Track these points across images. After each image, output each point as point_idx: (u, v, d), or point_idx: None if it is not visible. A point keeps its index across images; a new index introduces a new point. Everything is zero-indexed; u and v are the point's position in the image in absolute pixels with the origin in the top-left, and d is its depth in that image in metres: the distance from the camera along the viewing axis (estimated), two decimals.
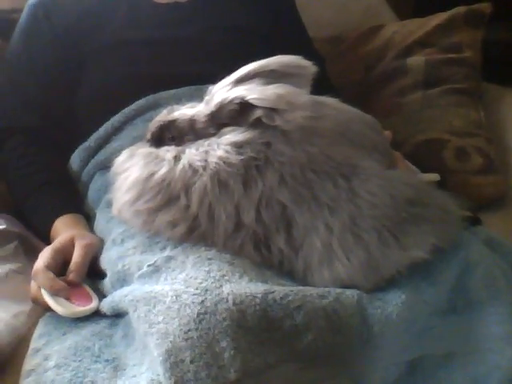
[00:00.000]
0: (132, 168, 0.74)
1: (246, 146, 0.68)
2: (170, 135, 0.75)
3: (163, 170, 0.71)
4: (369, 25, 1.38)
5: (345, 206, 0.67)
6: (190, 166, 0.69)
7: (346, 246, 0.66)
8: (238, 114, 0.71)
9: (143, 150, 0.76)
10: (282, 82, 0.70)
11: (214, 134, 0.72)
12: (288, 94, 0.68)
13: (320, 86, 0.75)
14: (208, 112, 0.73)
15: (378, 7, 1.50)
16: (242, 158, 0.68)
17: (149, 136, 0.77)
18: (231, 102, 0.70)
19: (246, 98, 0.69)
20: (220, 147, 0.69)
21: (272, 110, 0.68)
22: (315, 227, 0.67)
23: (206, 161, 0.69)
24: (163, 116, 0.77)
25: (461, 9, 1.27)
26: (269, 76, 0.71)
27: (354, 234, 0.66)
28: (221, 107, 0.71)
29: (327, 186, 0.67)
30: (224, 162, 0.68)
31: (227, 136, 0.70)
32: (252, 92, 0.69)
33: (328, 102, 0.75)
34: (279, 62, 0.72)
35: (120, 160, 0.78)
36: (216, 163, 0.68)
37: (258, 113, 0.69)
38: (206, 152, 0.70)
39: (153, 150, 0.75)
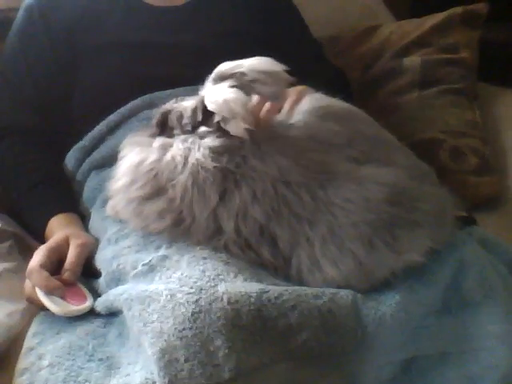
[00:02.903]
0: (128, 154, 0.74)
1: (225, 155, 0.68)
2: (170, 124, 0.76)
3: (151, 158, 0.71)
4: (365, 25, 1.38)
5: (322, 218, 0.67)
6: (173, 159, 0.70)
7: (330, 256, 0.66)
8: (204, 114, 0.71)
9: (142, 138, 0.76)
10: (253, 88, 0.69)
11: (192, 131, 0.72)
12: (233, 101, 0.67)
13: (321, 69, 0.74)
14: (191, 108, 0.73)
15: (374, 7, 1.50)
16: (217, 165, 0.68)
17: (154, 122, 0.78)
18: (200, 101, 0.71)
19: (204, 100, 0.69)
20: (200, 149, 0.69)
21: (225, 116, 0.67)
22: (298, 242, 0.67)
23: (186, 158, 0.69)
24: (169, 104, 0.77)
25: (457, 9, 1.27)
26: (241, 78, 0.70)
27: (336, 245, 0.66)
28: (197, 106, 0.72)
29: (305, 199, 0.67)
30: (201, 166, 0.68)
31: (206, 140, 0.70)
32: (211, 94, 0.68)
33: (300, 105, 0.74)
34: (250, 65, 0.70)
35: (122, 146, 0.78)
36: (193, 164, 0.68)
37: (217, 117, 0.69)
38: (189, 149, 0.70)
39: (149, 139, 0.75)
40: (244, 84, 0.70)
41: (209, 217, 0.68)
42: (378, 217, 0.66)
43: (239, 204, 0.67)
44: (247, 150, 0.69)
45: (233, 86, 0.69)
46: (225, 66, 0.71)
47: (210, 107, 0.68)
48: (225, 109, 0.67)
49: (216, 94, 0.68)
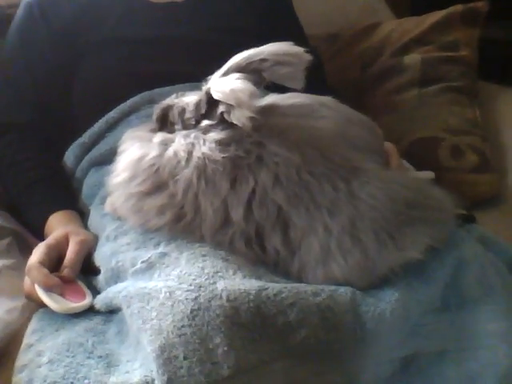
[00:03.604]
0: (128, 149, 0.74)
1: (233, 144, 0.68)
2: (171, 120, 0.75)
3: (152, 154, 0.71)
4: (366, 23, 1.38)
5: (344, 209, 0.66)
6: (175, 155, 0.70)
7: (343, 247, 0.66)
8: (208, 106, 0.71)
9: (142, 133, 0.76)
10: (274, 71, 0.69)
11: (194, 126, 0.72)
12: (241, 90, 0.66)
13: (315, 87, 0.75)
14: (195, 102, 0.73)
15: (375, 5, 1.50)
16: (225, 155, 0.67)
17: (154, 117, 0.78)
18: (205, 93, 0.70)
19: (210, 91, 0.69)
20: (205, 143, 0.69)
21: (230, 106, 0.67)
22: (314, 229, 0.66)
23: (190, 153, 0.69)
24: (169, 100, 0.77)
25: (457, 7, 1.27)
26: (260, 65, 0.70)
27: (352, 236, 0.66)
28: (201, 98, 0.71)
29: (326, 188, 0.67)
30: (208, 159, 0.68)
31: (211, 134, 0.70)
32: (218, 84, 0.68)
33: (327, 102, 0.75)
34: (270, 50, 0.70)
35: (122, 140, 0.78)
36: (199, 158, 0.68)
37: (221, 107, 0.68)
38: (192, 145, 0.70)
39: (149, 134, 0.75)
40: (255, 75, 0.69)
41: (218, 208, 0.68)
42: (397, 217, 0.66)
43: (254, 188, 0.67)
44: (265, 138, 0.68)
45: (240, 78, 0.69)
46: (239, 57, 0.71)
47: (216, 96, 0.67)
48: (231, 97, 0.66)
49: (223, 83, 0.68)
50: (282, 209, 0.67)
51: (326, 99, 0.75)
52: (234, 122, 0.67)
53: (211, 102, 0.70)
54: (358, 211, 0.66)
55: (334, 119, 0.72)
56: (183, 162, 0.69)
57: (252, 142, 0.68)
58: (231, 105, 0.66)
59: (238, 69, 0.70)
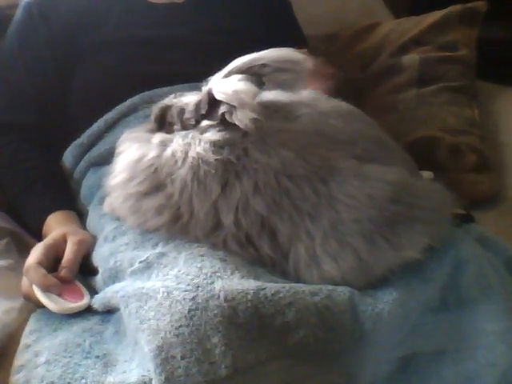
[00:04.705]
0: (127, 150, 0.74)
1: (226, 148, 0.68)
2: (169, 120, 0.75)
3: (151, 154, 0.71)
4: (364, 23, 1.38)
5: (325, 213, 0.66)
6: (173, 155, 0.70)
7: (330, 251, 0.65)
8: (209, 106, 0.70)
9: (140, 133, 0.76)
10: (274, 77, 0.69)
11: (194, 126, 0.72)
12: (244, 92, 0.66)
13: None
14: (194, 102, 0.73)
15: (373, 5, 1.50)
16: (218, 158, 0.67)
17: (152, 117, 0.78)
18: (206, 93, 0.70)
19: (212, 91, 0.68)
20: (201, 143, 0.69)
21: (232, 106, 0.67)
22: (298, 236, 0.66)
23: (186, 153, 0.69)
24: (168, 100, 0.77)
25: (456, 7, 1.27)
26: (260, 70, 0.70)
27: (337, 240, 0.65)
28: (202, 99, 0.71)
29: (307, 192, 0.67)
30: (202, 160, 0.68)
31: (207, 134, 0.70)
32: (220, 85, 0.68)
33: (304, 98, 0.74)
34: (272, 56, 0.70)
35: (120, 141, 0.78)
36: (193, 158, 0.68)
37: (222, 108, 0.68)
38: (189, 145, 0.70)
39: (148, 134, 0.75)
40: (256, 78, 0.69)
41: (209, 211, 0.68)
42: (381, 214, 0.66)
43: (240, 196, 0.67)
44: (249, 142, 0.68)
45: (243, 79, 0.68)
46: (240, 61, 0.71)
47: (219, 97, 0.67)
48: (234, 98, 0.66)
49: (225, 84, 0.68)
50: (264, 217, 0.67)
51: (304, 95, 0.74)
52: (236, 123, 0.66)
53: (212, 103, 0.70)
54: (338, 214, 0.66)
55: (310, 116, 0.71)
56: (180, 162, 0.69)
57: (242, 148, 0.68)
58: (233, 106, 0.66)
59: (239, 72, 0.70)
